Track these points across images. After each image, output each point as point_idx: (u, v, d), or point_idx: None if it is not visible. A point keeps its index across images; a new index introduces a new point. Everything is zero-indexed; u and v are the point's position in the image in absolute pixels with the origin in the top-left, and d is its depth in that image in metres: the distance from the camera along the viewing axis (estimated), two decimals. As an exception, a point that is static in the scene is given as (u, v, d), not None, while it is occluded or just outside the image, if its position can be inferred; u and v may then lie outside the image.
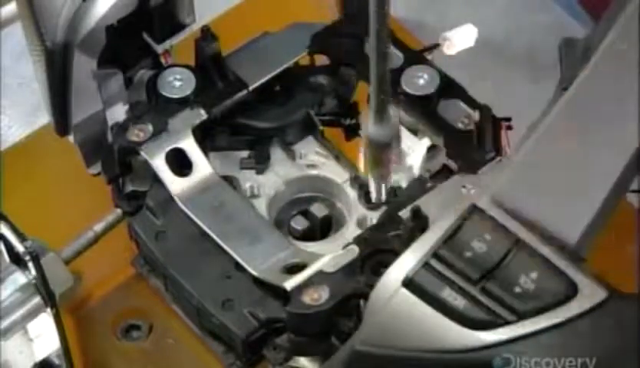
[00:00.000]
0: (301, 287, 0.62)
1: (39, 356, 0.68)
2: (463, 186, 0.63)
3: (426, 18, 0.89)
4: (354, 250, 0.63)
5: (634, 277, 0.65)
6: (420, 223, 0.60)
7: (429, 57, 0.73)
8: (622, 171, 0.56)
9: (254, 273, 0.64)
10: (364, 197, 0.71)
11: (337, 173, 0.73)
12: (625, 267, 0.67)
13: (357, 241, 0.64)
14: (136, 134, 0.69)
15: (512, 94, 0.83)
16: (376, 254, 0.63)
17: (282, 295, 0.63)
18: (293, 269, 0.64)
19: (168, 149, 0.69)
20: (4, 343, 0.67)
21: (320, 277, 0.63)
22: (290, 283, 0.62)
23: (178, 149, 0.69)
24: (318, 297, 0.62)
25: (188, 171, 0.69)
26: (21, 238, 0.63)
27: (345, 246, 0.66)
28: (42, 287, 0.65)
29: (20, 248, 0.63)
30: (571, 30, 0.85)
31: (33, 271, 0.64)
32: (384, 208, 0.68)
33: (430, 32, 0.79)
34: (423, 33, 0.84)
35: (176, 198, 0.68)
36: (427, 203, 0.63)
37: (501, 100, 0.71)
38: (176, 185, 0.68)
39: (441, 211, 0.55)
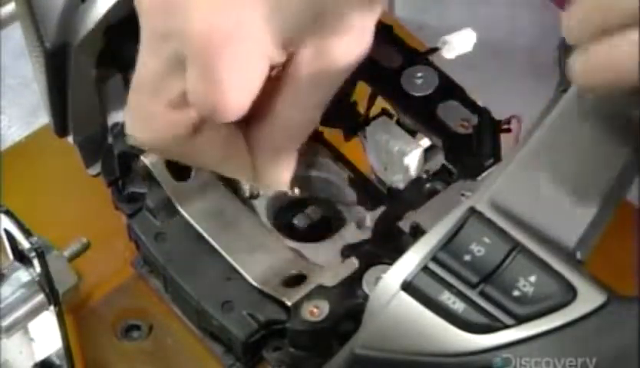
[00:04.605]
0: (301, 302, 0.62)
1: (39, 356, 0.68)
2: (462, 194, 0.63)
3: (427, 18, 0.89)
4: (354, 263, 0.64)
5: (633, 278, 0.65)
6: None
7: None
8: (621, 171, 0.56)
9: (254, 283, 0.64)
10: (363, 198, 0.71)
11: (336, 174, 0.73)
12: (625, 268, 0.67)
13: (357, 253, 0.64)
14: None
15: (512, 94, 0.82)
16: (376, 266, 0.63)
17: (282, 304, 0.63)
18: (293, 280, 0.65)
19: None
20: (5, 343, 0.67)
21: (320, 291, 0.63)
22: (290, 298, 0.63)
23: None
24: (319, 312, 0.62)
25: (188, 173, 0.69)
26: (27, 233, 0.63)
27: (344, 252, 0.66)
28: (46, 284, 0.65)
29: (25, 243, 0.63)
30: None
31: (37, 268, 0.64)
32: (382, 209, 0.69)
33: (430, 32, 0.79)
34: (423, 33, 0.84)
35: (176, 204, 0.68)
36: (425, 214, 0.63)
37: (501, 100, 0.71)
38: (175, 189, 0.68)
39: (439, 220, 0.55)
